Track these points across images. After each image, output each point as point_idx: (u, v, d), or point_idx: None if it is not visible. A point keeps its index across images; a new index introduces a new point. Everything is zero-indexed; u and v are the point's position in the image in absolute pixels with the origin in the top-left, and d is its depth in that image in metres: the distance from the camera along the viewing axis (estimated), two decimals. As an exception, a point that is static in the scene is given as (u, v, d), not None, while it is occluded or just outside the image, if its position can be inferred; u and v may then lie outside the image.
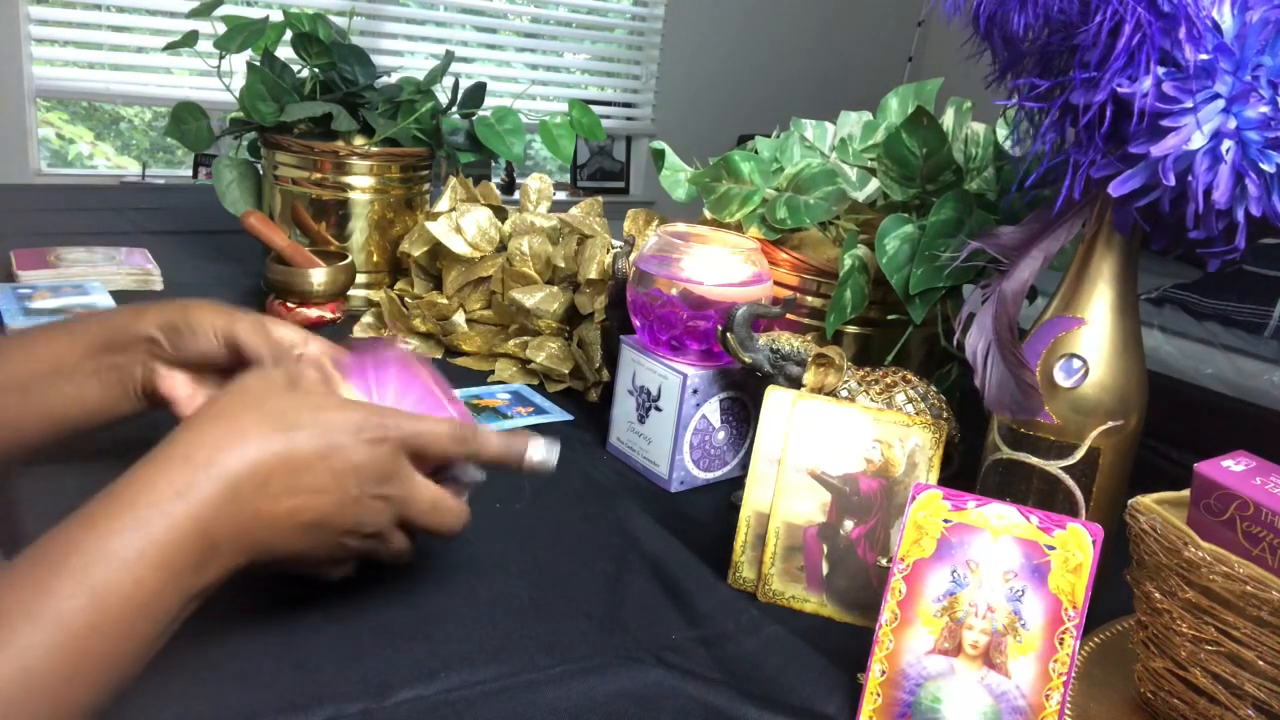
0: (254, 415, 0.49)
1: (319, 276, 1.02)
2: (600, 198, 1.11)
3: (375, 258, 1.12)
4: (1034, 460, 0.63)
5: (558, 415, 0.89)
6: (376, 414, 0.52)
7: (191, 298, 0.63)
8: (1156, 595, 0.51)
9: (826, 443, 0.64)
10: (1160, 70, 0.53)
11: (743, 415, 0.80)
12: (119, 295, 1.03)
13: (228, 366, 0.60)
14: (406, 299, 1.05)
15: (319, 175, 1.08)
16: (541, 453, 0.57)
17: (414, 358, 0.62)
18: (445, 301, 1.02)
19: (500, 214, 1.07)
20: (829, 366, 0.69)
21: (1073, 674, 0.50)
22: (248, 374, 0.53)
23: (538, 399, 0.92)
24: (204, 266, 1.24)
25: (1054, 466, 0.63)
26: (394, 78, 1.17)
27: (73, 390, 0.60)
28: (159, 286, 1.12)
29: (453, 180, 1.09)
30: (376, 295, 1.07)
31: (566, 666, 0.55)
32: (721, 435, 0.79)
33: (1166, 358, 2.45)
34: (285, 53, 1.12)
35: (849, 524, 0.63)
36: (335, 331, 1.04)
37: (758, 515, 0.64)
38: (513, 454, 0.56)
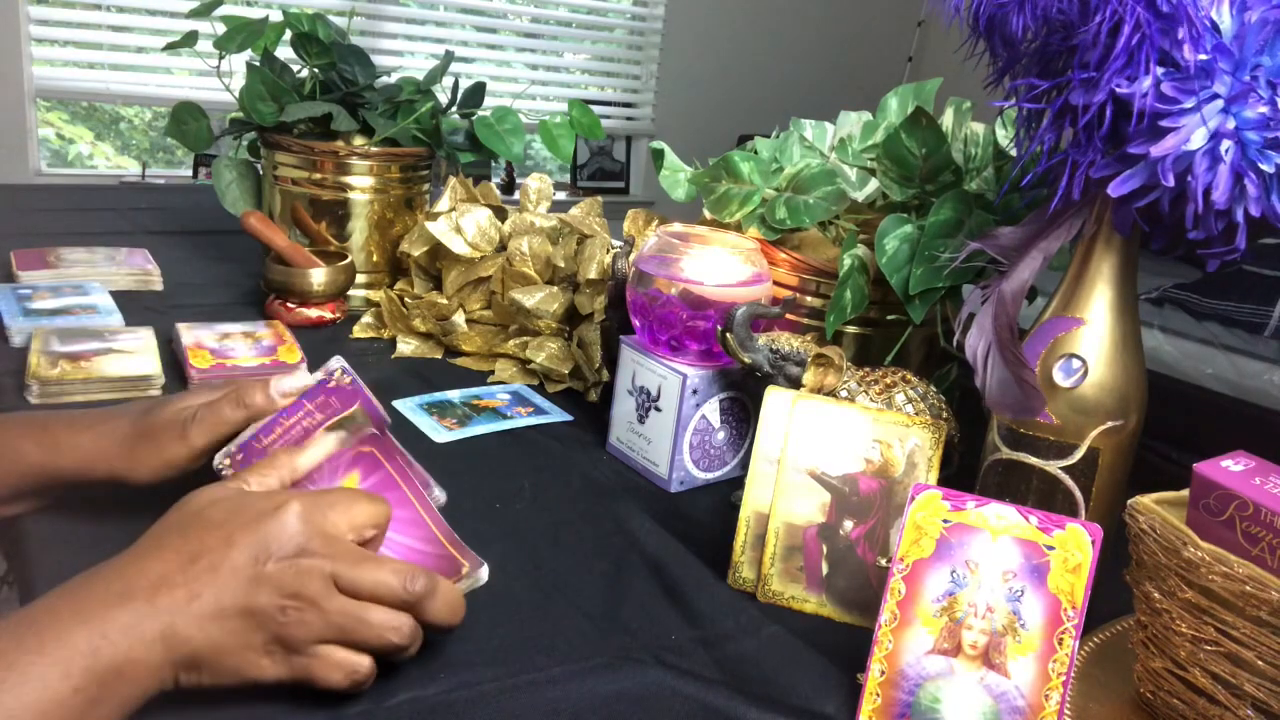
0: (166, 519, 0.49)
1: (319, 276, 1.02)
2: (600, 198, 1.11)
3: (375, 258, 1.12)
4: (1034, 460, 0.63)
5: (558, 415, 0.89)
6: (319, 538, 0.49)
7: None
8: (1156, 595, 0.51)
9: (826, 443, 0.64)
10: (1159, 70, 0.53)
11: (742, 415, 0.80)
12: (119, 295, 1.03)
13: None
14: (406, 299, 1.05)
15: (319, 175, 1.08)
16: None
17: (392, 450, 0.60)
18: (445, 301, 1.02)
19: (500, 214, 1.07)
20: (829, 366, 0.69)
21: (1072, 674, 0.50)
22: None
23: (538, 399, 0.92)
24: (204, 266, 1.24)
25: (1053, 466, 0.63)
26: (394, 78, 1.17)
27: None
28: (159, 286, 1.12)
29: (453, 180, 1.09)
30: (376, 295, 1.07)
31: (566, 667, 0.55)
32: (721, 435, 0.79)
33: (1166, 358, 2.45)
34: (285, 53, 1.12)
35: (848, 524, 0.63)
36: (335, 331, 1.04)
37: (757, 515, 0.64)
38: (455, 620, 0.52)
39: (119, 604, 0.45)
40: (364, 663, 0.49)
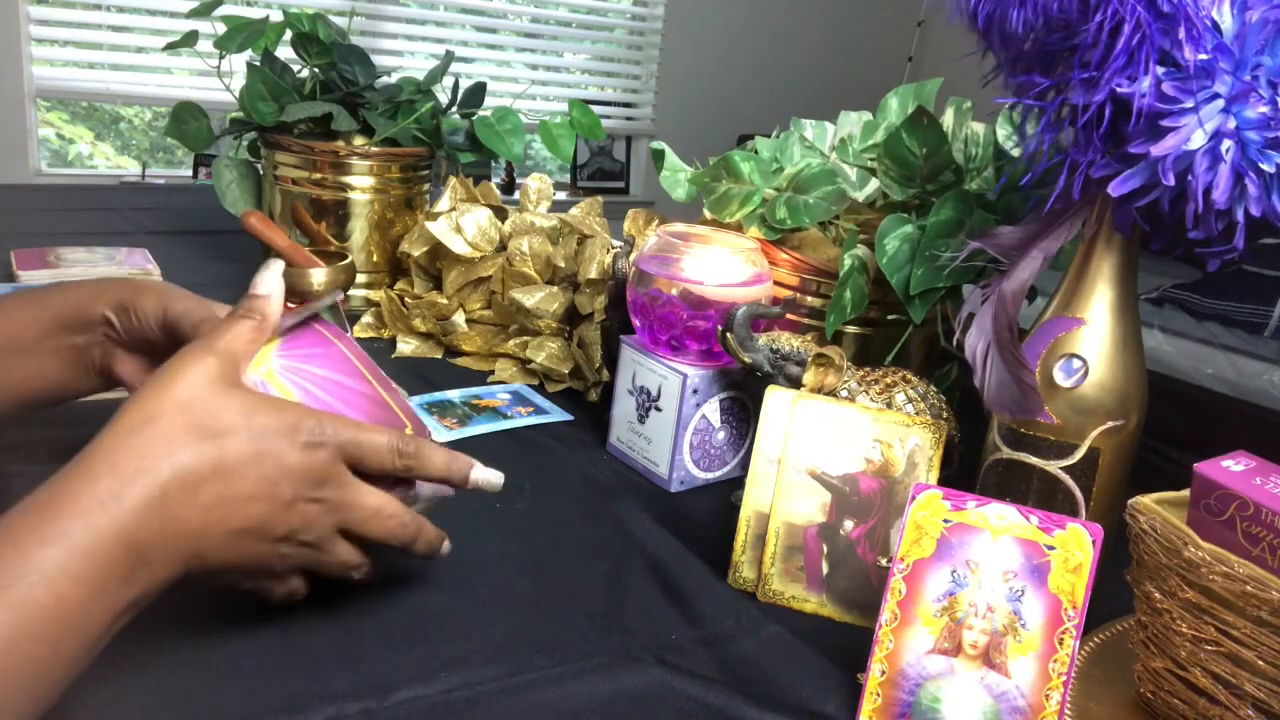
0: (182, 420, 0.46)
1: (319, 276, 1.02)
2: (600, 198, 1.11)
3: (375, 258, 1.12)
4: (1034, 460, 0.63)
5: (558, 415, 0.89)
6: (312, 417, 0.50)
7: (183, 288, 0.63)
8: (1156, 595, 0.51)
9: (826, 443, 0.64)
10: (1160, 70, 0.53)
11: (743, 415, 0.80)
12: (119, 295, 1.03)
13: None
14: (406, 299, 1.05)
15: (319, 175, 1.08)
16: (485, 475, 0.57)
17: (349, 342, 0.59)
18: (445, 301, 1.02)
19: (500, 214, 1.07)
20: (829, 366, 0.69)
21: (1072, 674, 0.50)
22: (177, 364, 0.49)
23: (538, 399, 0.92)
24: (204, 266, 1.24)
25: (1054, 466, 0.63)
26: (394, 78, 1.17)
27: (34, 366, 0.59)
28: (159, 286, 1.12)
29: (453, 180, 1.09)
30: (376, 295, 1.07)
31: (566, 666, 0.55)
32: (721, 435, 0.79)
33: (1166, 358, 2.45)
34: (285, 53, 1.12)
35: (849, 524, 0.63)
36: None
37: (758, 515, 0.64)
38: (456, 473, 0.55)
39: (129, 479, 0.45)
40: (363, 556, 0.53)
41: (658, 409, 0.77)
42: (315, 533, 0.50)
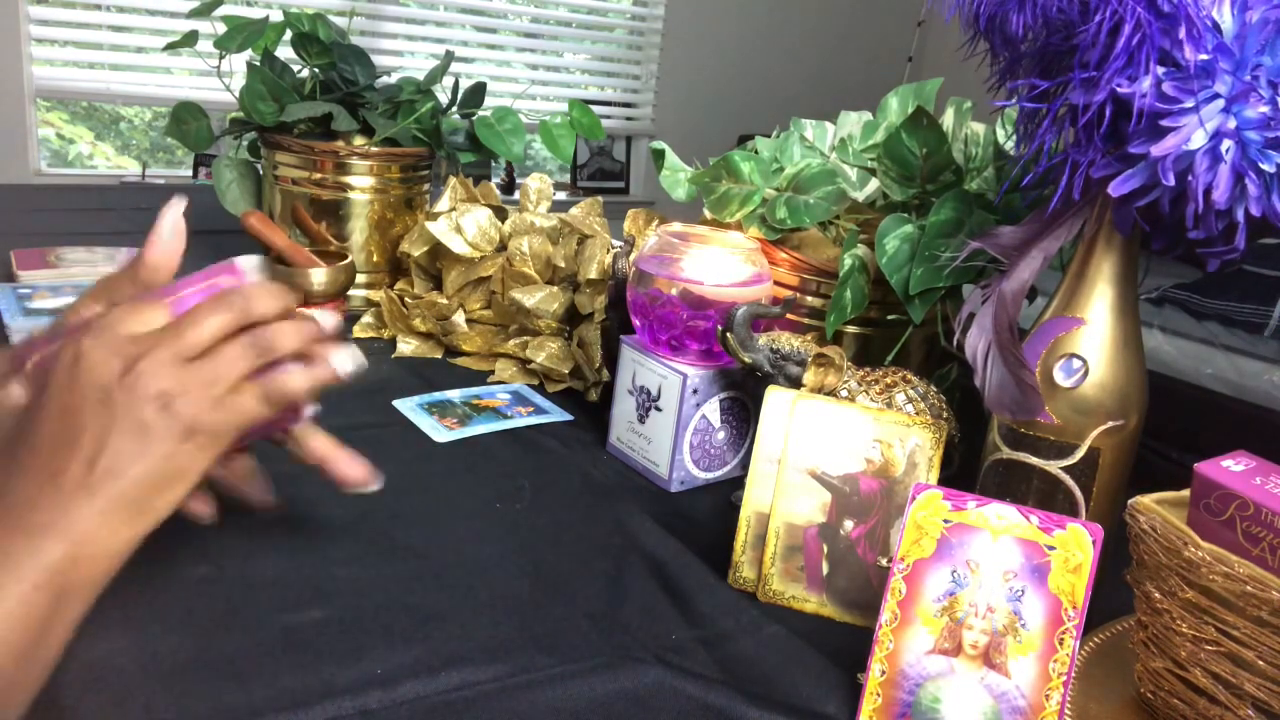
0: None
1: (319, 276, 1.02)
2: (600, 198, 1.11)
3: (375, 258, 1.12)
4: (1034, 460, 0.63)
5: (558, 415, 0.89)
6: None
7: None
8: (1156, 595, 0.51)
9: (826, 443, 0.64)
10: (1160, 70, 0.53)
11: (743, 415, 0.80)
12: (119, 295, 1.03)
13: None
14: (406, 299, 1.05)
15: (319, 175, 1.08)
16: (348, 364, 0.52)
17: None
18: (445, 301, 1.02)
19: (500, 214, 1.07)
20: (829, 366, 0.69)
21: (1073, 674, 0.50)
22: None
23: (538, 399, 0.92)
24: (203, 267, 1.23)
25: (1054, 466, 0.63)
26: (394, 78, 1.17)
27: None
28: (159, 286, 1.12)
29: (453, 180, 1.09)
30: (376, 295, 1.07)
31: (566, 666, 0.54)
32: (721, 435, 0.79)
33: (1166, 358, 2.45)
34: (285, 53, 1.12)
35: (849, 524, 0.63)
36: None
37: (758, 515, 0.64)
38: (283, 301, 0.50)
39: (39, 505, 0.43)
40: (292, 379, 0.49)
41: (658, 409, 0.77)
42: (191, 416, 0.46)
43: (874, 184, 0.87)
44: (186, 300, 0.50)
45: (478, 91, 1.18)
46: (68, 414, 0.45)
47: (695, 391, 0.75)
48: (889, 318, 0.81)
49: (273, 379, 0.49)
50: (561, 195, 3.55)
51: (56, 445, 0.45)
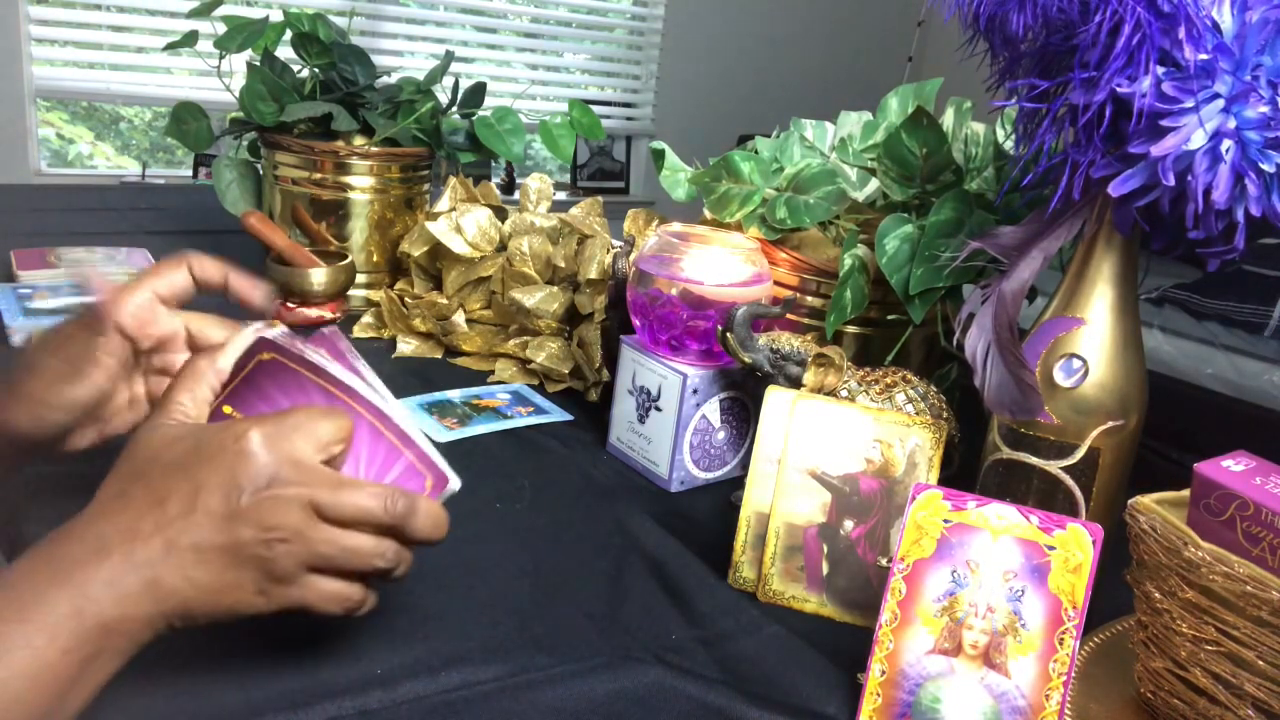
0: (140, 496, 0.45)
1: (319, 276, 1.02)
2: (600, 198, 1.11)
3: (375, 258, 1.12)
4: (1034, 460, 0.63)
5: (558, 415, 0.89)
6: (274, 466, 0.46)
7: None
8: (1156, 595, 0.51)
9: (826, 443, 0.64)
10: (1160, 70, 0.53)
11: (743, 415, 0.80)
12: (119, 295, 1.03)
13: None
14: (406, 299, 1.05)
15: (319, 175, 1.08)
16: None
17: (350, 365, 0.54)
18: (445, 301, 1.02)
19: (500, 214, 1.07)
20: (829, 366, 0.69)
21: (1073, 674, 0.50)
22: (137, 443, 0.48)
23: (538, 399, 0.92)
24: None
25: (1054, 466, 0.63)
26: (394, 78, 1.17)
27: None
28: (159, 286, 1.12)
29: (453, 180, 1.09)
30: (376, 295, 1.07)
31: (566, 666, 0.55)
32: (721, 435, 0.79)
33: (1166, 358, 2.45)
34: (285, 53, 1.12)
35: (849, 524, 0.63)
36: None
37: (758, 515, 0.64)
38: (440, 535, 0.50)
39: (96, 561, 0.43)
40: (355, 591, 0.48)
41: (658, 409, 0.77)
42: (282, 568, 0.46)
43: (874, 184, 0.87)
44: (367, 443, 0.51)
45: (478, 91, 1.18)
46: (187, 486, 0.45)
47: (695, 391, 0.75)
48: (889, 318, 0.81)
49: (358, 600, 0.49)
50: (561, 195, 3.55)
51: (151, 506, 0.45)
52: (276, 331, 0.52)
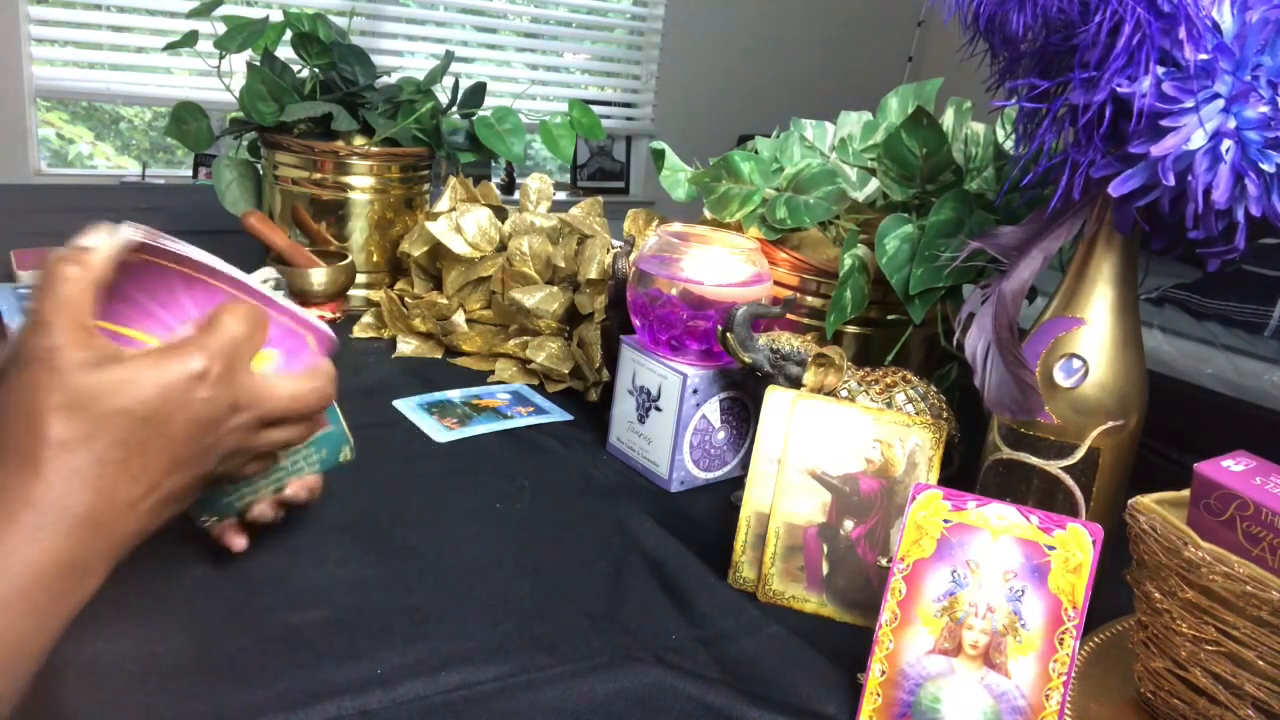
0: (71, 425, 0.43)
1: (319, 276, 1.02)
2: (600, 198, 1.11)
3: (375, 258, 1.12)
4: (1034, 460, 0.63)
5: (558, 415, 0.89)
6: (202, 358, 0.46)
7: None
8: (1156, 595, 0.51)
9: (826, 443, 0.64)
10: (1160, 70, 0.53)
11: (743, 415, 0.80)
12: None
13: None
14: (406, 299, 1.05)
15: (319, 175, 1.08)
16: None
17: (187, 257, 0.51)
18: (445, 301, 1.02)
19: (500, 214, 1.07)
20: (829, 366, 0.69)
21: (1073, 674, 0.50)
22: (23, 361, 0.44)
23: (538, 399, 0.92)
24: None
25: (1054, 466, 0.63)
26: (394, 78, 1.17)
27: None
28: (159, 286, 1.12)
29: (453, 180, 1.09)
30: (376, 295, 1.07)
31: (566, 666, 0.55)
32: (721, 435, 0.79)
33: (1166, 358, 2.45)
34: (285, 53, 1.12)
35: (849, 524, 0.63)
36: (335, 331, 1.04)
37: (758, 515, 0.64)
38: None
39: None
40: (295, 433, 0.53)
41: (658, 409, 0.77)
42: (242, 445, 0.49)
43: (874, 184, 0.87)
44: (282, 337, 0.53)
45: (478, 91, 1.18)
46: (158, 414, 0.45)
47: (695, 391, 0.75)
48: (889, 318, 0.81)
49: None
50: (561, 195, 3.55)
51: (131, 474, 0.45)
52: (132, 229, 0.50)
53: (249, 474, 0.53)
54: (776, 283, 0.83)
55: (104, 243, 0.48)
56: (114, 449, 0.44)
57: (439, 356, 1.01)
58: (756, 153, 0.90)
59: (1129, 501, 0.52)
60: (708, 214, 0.90)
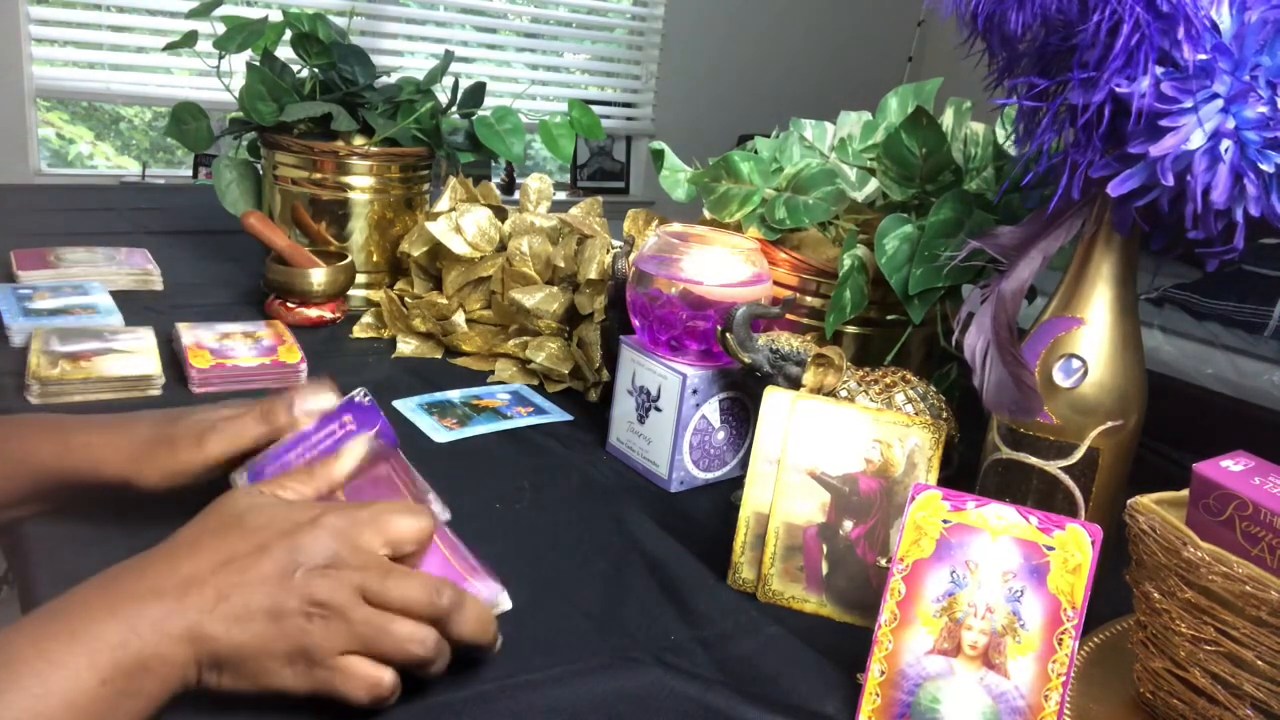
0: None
1: (319, 276, 1.02)
2: (600, 198, 1.11)
3: (375, 258, 1.12)
4: (1033, 460, 0.63)
5: (558, 415, 0.89)
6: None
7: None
8: (1156, 595, 0.51)
9: (826, 443, 0.64)
10: (1159, 70, 0.53)
11: (742, 415, 0.80)
12: (119, 295, 1.03)
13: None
14: (406, 299, 1.05)
15: (319, 175, 1.08)
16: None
17: (406, 471, 0.60)
18: (445, 301, 1.02)
19: (500, 214, 1.07)
20: (828, 366, 0.69)
21: (1072, 674, 0.50)
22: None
23: (538, 399, 0.92)
24: (204, 266, 1.24)
25: (1053, 466, 0.63)
26: (394, 78, 1.17)
27: None
28: (159, 286, 1.12)
29: (453, 180, 1.09)
30: (376, 295, 1.07)
31: (566, 666, 0.55)
32: (721, 435, 0.79)
33: (1166, 358, 2.45)
34: (285, 53, 1.12)
35: (848, 524, 0.63)
36: (335, 331, 1.04)
37: (757, 515, 0.64)
38: (486, 638, 0.51)
39: (149, 599, 0.45)
40: (385, 676, 0.47)
41: (657, 409, 0.77)
42: (317, 644, 0.47)
43: (874, 184, 0.87)
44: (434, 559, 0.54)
45: (477, 91, 1.18)
46: (253, 549, 0.47)
47: (695, 391, 0.75)
48: (889, 318, 0.81)
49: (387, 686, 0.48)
50: (561, 195, 3.55)
51: (216, 560, 0.47)
52: (380, 440, 0.59)
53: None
54: (776, 283, 0.83)
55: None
56: (211, 534, 0.49)
57: (439, 356, 1.01)
58: (756, 153, 0.90)
59: (1128, 502, 0.52)
60: (707, 214, 0.90)
